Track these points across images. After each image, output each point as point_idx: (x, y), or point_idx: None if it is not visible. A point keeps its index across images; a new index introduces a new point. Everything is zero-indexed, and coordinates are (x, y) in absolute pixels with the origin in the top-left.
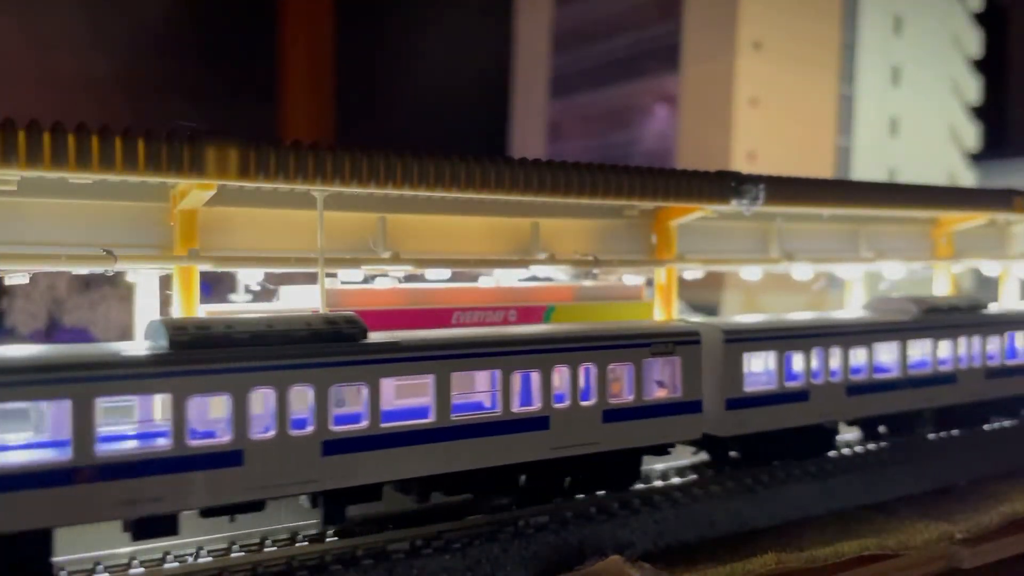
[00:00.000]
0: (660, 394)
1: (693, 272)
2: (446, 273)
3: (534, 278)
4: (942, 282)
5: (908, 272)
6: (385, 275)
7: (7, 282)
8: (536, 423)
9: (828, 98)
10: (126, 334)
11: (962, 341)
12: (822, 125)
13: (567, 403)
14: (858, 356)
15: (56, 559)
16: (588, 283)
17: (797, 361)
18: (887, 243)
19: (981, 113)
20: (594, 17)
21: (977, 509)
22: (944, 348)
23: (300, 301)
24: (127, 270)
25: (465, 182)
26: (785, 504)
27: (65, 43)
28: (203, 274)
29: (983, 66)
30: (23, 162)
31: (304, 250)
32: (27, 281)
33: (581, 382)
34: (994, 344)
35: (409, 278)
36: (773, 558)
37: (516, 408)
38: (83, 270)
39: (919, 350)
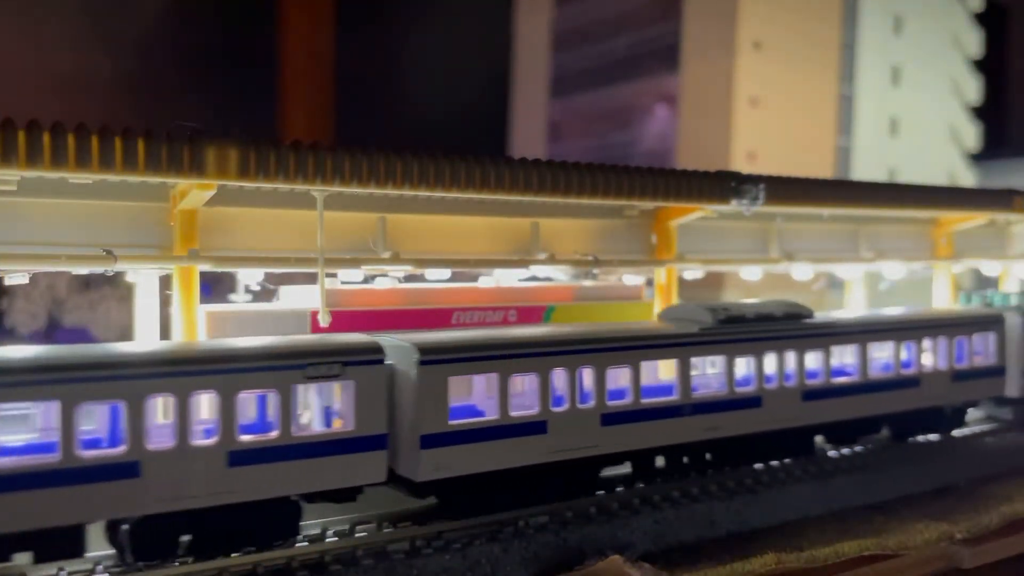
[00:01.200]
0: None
1: (693, 272)
2: (446, 273)
3: (534, 278)
4: (942, 282)
5: (908, 272)
6: (385, 275)
7: (7, 282)
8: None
9: (828, 98)
10: (126, 334)
11: (770, 357)
12: (822, 125)
13: None
14: (619, 377)
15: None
16: (588, 283)
17: (526, 385)
18: (887, 243)
19: (981, 113)
20: (594, 17)
21: (977, 509)
22: (744, 365)
23: (299, 301)
24: (127, 270)
25: (465, 182)
26: (785, 504)
27: (65, 43)
28: (203, 274)
29: (983, 66)
30: (23, 162)
31: (304, 250)
32: (27, 281)
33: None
34: (816, 360)
35: (409, 278)
36: (773, 558)
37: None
38: (83, 270)
39: (708, 368)
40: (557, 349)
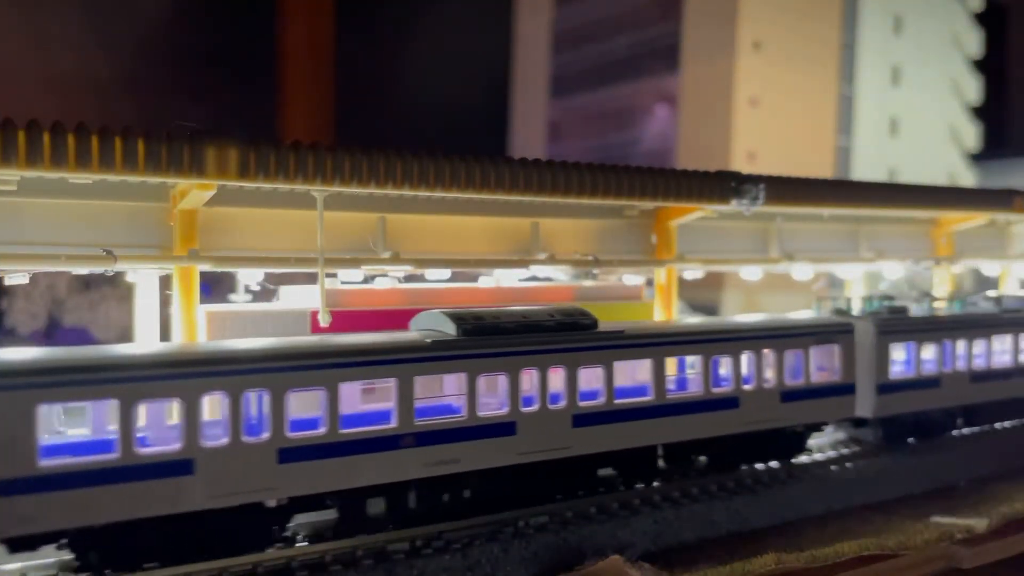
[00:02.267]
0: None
1: (693, 272)
2: (446, 273)
3: (534, 278)
4: (942, 282)
5: (908, 272)
6: (385, 275)
7: (7, 282)
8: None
9: (828, 98)
10: (126, 334)
11: (529, 374)
12: (822, 125)
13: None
14: (304, 405)
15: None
16: (588, 283)
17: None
18: (887, 243)
19: (981, 113)
20: (594, 17)
21: (977, 509)
22: (493, 385)
23: (299, 301)
24: (127, 270)
25: (465, 182)
26: (785, 504)
27: (66, 43)
28: (203, 274)
29: (983, 66)
30: (23, 162)
31: (304, 250)
32: (27, 281)
33: None
34: (593, 377)
35: (409, 278)
36: (773, 558)
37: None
38: (83, 270)
39: (445, 389)
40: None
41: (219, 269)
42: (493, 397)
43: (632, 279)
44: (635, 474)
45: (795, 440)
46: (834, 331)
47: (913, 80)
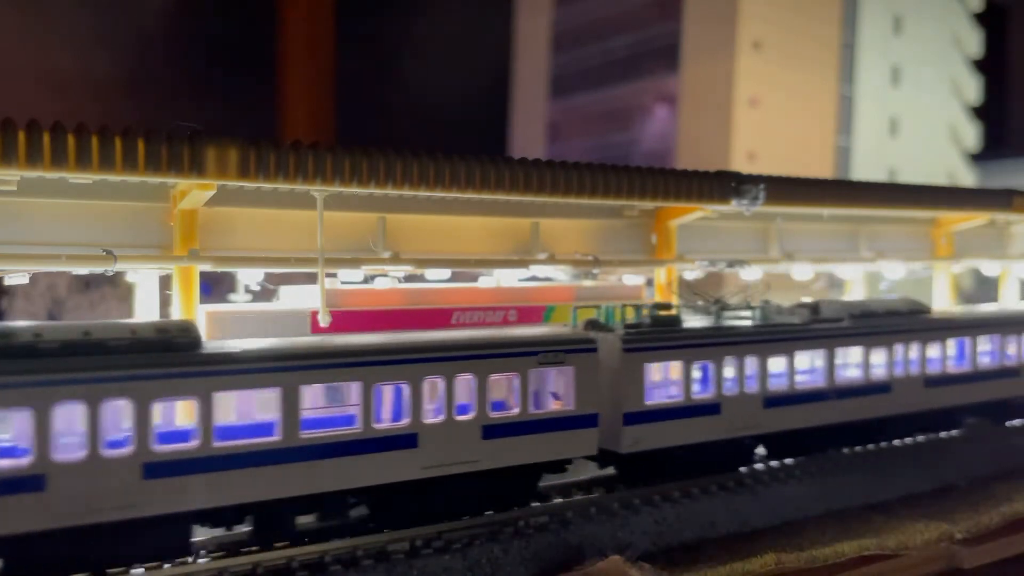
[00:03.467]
0: None
1: (693, 272)
2: (446, 273)
3: (534, 278)
4: (942, 282)
5: (908, 272)
6: (385, 275)
7: (7, 282)
8: None
9: (828, 98)
10: None
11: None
12: (822, 125)
13: None
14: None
15: None
16: (588, 283)
17: None
18: (887, 243)
19: (981, 113)
20: (594, 17)
21: (977, 509)
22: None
23: (299, 301)
24: (127, 270)
25: (465, 182)
26: (785, 504)
27: (65, 43)
28: (203, 274)
29: (983, 66)
30: (23, 162)
31: (304, 250)
32: (27, 281)
33: None
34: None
35: (409, 278)
36: (773, 558)
37: None
38: (83, 270)
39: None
40: None
41: (219, 269)
42: None
43: (632, 279)
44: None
45: (513, 485)
46: (569, 349)
47: (913, 80)
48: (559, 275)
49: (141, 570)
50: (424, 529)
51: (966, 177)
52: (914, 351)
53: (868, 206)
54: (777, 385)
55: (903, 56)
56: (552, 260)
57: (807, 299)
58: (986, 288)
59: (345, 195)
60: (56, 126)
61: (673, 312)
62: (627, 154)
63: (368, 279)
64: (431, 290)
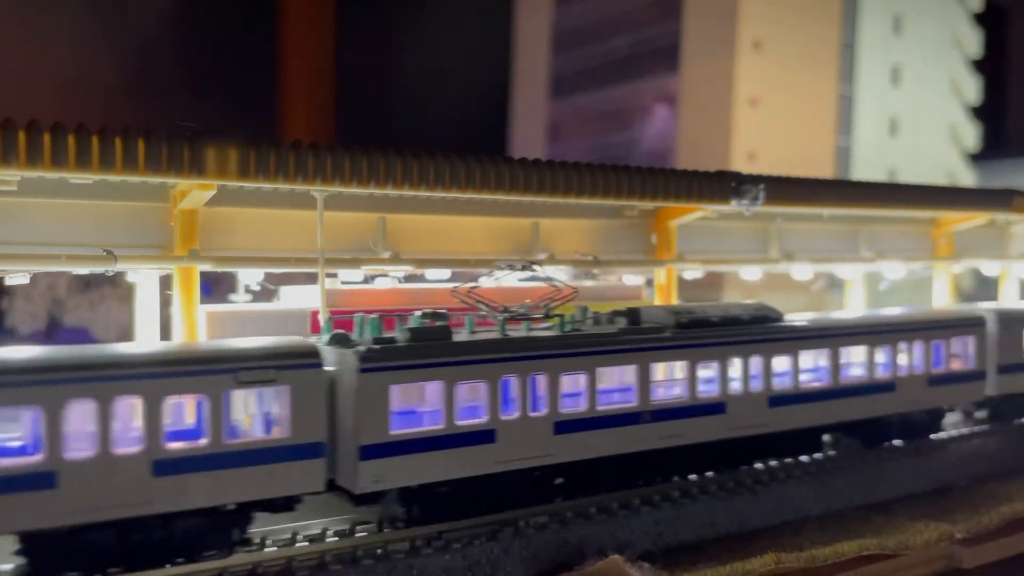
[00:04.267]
0: None
1: (693, 272)
2: (446, 273)
3: (534, 278)
4: (942, 282)
5: (908, 272)
6: (385, 275)
7: (7, 282)
8: None
9: (828, 98)
10: (126, 334)
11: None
12: (822, 125)
13: None
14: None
15: None
16: (588, 283)
17: None
18: (887, 243)
19: (981, 113)
20: (594, 17)
21: (977, 509)
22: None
23: (299, 301)
24: (127, 270)
25: (465, 182)
26: (785, 504)
27: (66, 44)
28: (203, 274)
29: (983, 66)
30: (23, 162)
31: (304, 250)
32: (27, 281)
33: None
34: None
35: (409, 278)
36: (773, 558)
37: None
38: (83, 270)
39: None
40: None
41: (219, 269)
42: None
43: (632, 279)
44: None
45: (217, 525)
46: (287, 367)
47: (913, 80)
48: (559, 275)
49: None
50: (424, 529)
51: (966, 177)
52: (755, 365)
53: (868, 206)
54: (572, 407)
55: (903, 56)
56: (552, 260)
57: (625, 308)
58: (986, 288)
59: (345, 195)
60: (56, 126)
61: (442, 324)
62: (627, 154)
63: (368, 279)
64: (431, 290)
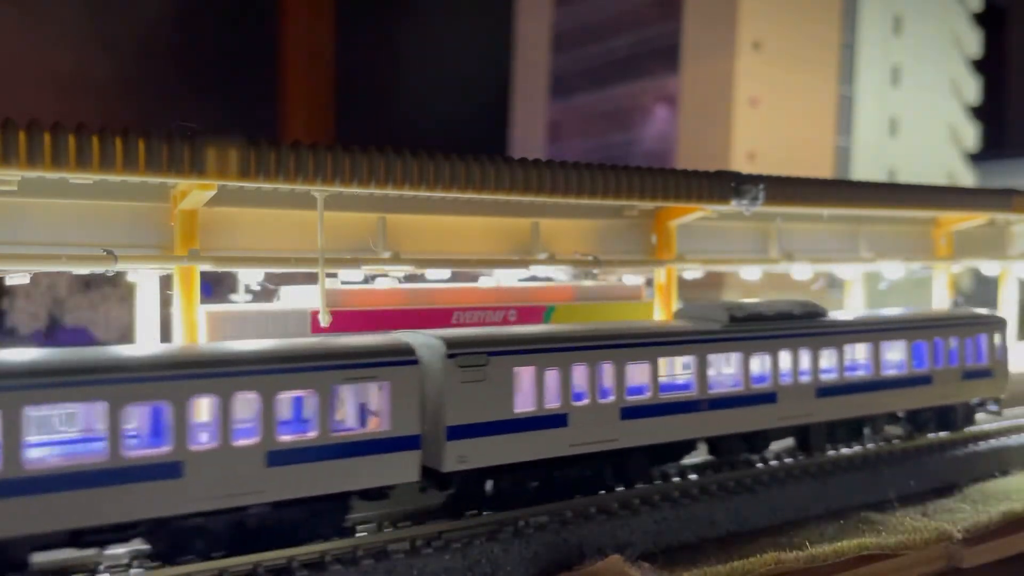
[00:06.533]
0: None
1: (693, 272)
2: (446, 273)
3: (534, 278)
4: (941, 282)
5: (908, 272)
6: (385, 275)
7: (7, 282)
8: None
9: (828, 98)
10: (127, 334)
11: None
12: (822, 125)
13: None
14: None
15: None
16: (588, 283)
17: None
18: (887, 243)
19: (981, 113)
20: (594, 17)
21: (977, 509)
22: None
23: (300, 301)
24: (127, 270)
25: (465, 182)
26: (785, 504)
27: (66, 43)
28: (203, 274)
29: (983, 66)
30: (23, 162)
31: (304, 250)
32: (27, 281)
33: None
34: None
35: (409, 278)
36: (773, 558)
37: None
38: (83, 270)
39: None
40: None
41: (219, 269)
42: None
43: (632, 279)
44: None
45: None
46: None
47: (913, 80)
48: (559, 275)
49: (140, 570)
50: (424, 529)
51: (966, 177)
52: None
53: (868, 206)
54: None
55: (903, 56)
56: (552, 260)
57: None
58: (986, 288)
59: (345, 195)
60: (56, 126)
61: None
62: (627, 154)
63: (368, 279)
64: (431, 290)
